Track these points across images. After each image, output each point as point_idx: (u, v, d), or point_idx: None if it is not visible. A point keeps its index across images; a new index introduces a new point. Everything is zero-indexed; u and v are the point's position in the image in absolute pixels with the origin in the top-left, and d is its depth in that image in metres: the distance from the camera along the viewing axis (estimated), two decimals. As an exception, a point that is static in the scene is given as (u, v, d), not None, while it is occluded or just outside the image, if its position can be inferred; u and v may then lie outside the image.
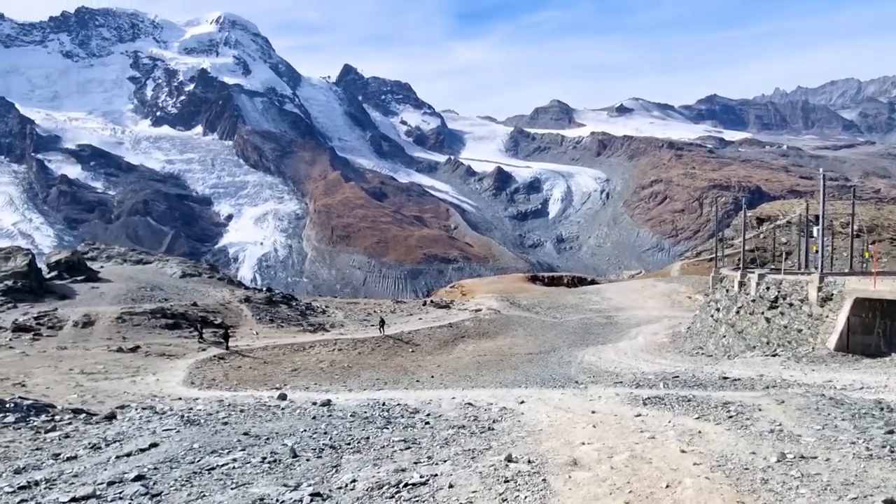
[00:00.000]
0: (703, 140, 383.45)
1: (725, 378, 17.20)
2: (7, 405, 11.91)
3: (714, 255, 64.88)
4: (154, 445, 8.64)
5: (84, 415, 13.12)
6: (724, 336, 37.91)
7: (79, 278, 43.23)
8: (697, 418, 9.85)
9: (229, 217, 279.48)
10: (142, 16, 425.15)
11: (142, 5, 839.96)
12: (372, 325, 46.82)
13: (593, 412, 11.30)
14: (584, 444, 8.49)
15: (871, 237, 66.08)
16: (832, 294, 29.91)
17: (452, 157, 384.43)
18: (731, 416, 9.68)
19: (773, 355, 29.88)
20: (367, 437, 9.58)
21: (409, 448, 8.90)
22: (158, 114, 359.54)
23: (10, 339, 33.83)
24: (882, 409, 9.91)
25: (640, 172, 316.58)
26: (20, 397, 14.99)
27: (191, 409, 16.51)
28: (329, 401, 17.73)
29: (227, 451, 8.47)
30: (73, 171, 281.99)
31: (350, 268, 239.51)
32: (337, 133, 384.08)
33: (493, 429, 10.48)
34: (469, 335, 46.32)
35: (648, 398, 12.64)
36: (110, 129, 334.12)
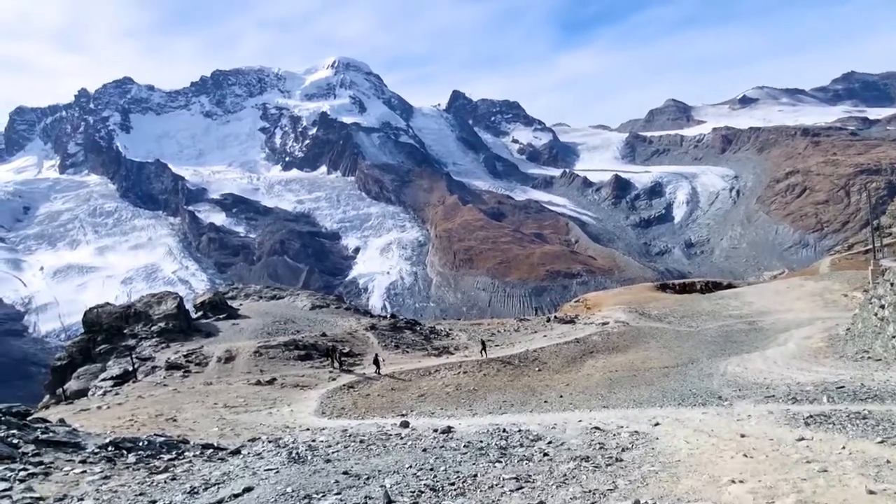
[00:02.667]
0: (844, 122, 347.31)
1: (907, 388, 14.50)
2: (141, 443, 12.38)
3: (871, 247, 57.63)
4: (248, 490, 8.36)
5: (212, 450, 13.39)
6: (894, 336, 33.13)
7: (221, 316, 46.38)
8: (881, 442, 7.99)
9: (357, 249, 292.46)
10: (267, 70, 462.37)
11: (266, 60, 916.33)
12: (496, 346, 46.00)
13: (743, 436, 9.67)
14: (733, 481, 7.04)
15: None
16: None
17: (567, 170, 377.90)
18: (925, 439, 7.75)
19: (962, 356, 25.46)
20: (476, 475, 8.73)
21: (520, 488, 7.92)
22: (287, 159, 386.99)
23: (164, 377, 36.74)
24: None
25: (772, 165, 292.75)
26: (156, 434, 15.72)
27: (313, 440, 16.55)
28: (450, 427, 17.11)
29: (320, 494, 7.98)
30: (219, 218, 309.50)
31: (475, 290, 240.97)
32: (451, 158, 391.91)
33: (621, 460, 9.23)
34: (598, 350, 44.08)
35: (811, 416, 10.73)
36: (247, 177, 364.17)
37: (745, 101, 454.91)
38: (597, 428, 12.66)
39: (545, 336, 48.76)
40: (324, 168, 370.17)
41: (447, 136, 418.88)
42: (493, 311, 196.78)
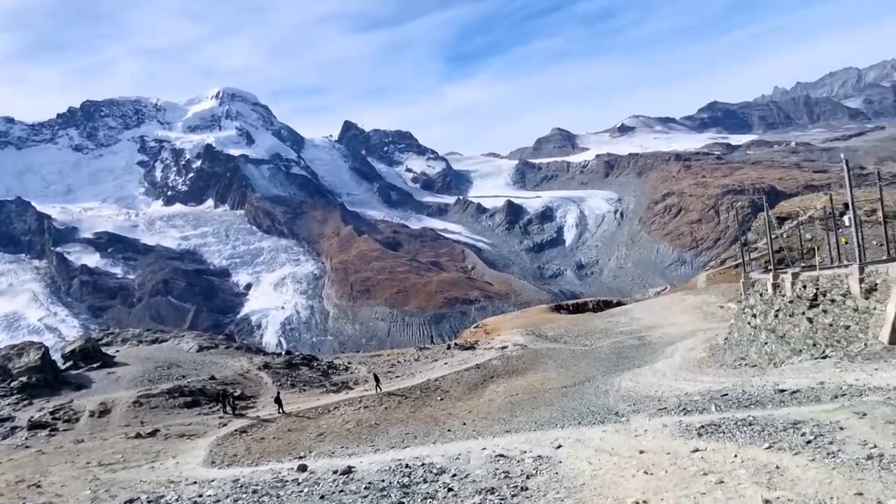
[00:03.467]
0: (710, 148, 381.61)
1: (782, 391, 15.39)
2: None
3: (741, 261, 62.76)
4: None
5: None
6: (766, 343, 35.77)
7: (94, 365, 42.33)
8: (769, 448, 8.22)
9: (248, 286, 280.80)
10: (144, 101, 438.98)
11: (143, 91, 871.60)
12: (396, 377, 45.17)
13: (642, 452, 9.71)
14: (637, 502, 6.93)
15: (901, 221, 63.47)
16: (876, 284, 27.93)
17: (461, 198, 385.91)
18: (809, 441, 8.03)
19: (824, 357, 27.75)
20: (376, 522, 8.12)
21: (425, 531, 7.40)
22: (169, 193, 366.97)
23: (27, 438, 32.73)
24: None
25: (650, 188, 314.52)
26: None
27: (200, 495, 15.09)
28: (350, 468, 16.23)
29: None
30: (92, 259, 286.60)
31: (373, 320, 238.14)
32: (345, 189, 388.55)
33: (526, 488, 8.94)
34: (498, 374, 44.45)
35: (702, 426, 11.00)
36: (124, 213, 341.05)
37: (624, 129, 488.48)
38: (501, 455, 12.38)
39: (446, 364, 48.59)
40: (210, 202, 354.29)
41: (340, 167, 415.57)
42: (393, 341, 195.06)
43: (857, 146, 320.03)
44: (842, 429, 8.37)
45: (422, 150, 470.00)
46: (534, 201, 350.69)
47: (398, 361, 52.58)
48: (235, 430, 32.48)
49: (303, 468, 18.50)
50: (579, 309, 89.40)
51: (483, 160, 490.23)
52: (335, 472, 15.86)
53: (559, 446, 12.16)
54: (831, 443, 7.81)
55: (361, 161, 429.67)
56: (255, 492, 14.00)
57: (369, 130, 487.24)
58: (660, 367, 37.88)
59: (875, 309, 27.61)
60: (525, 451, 12.35)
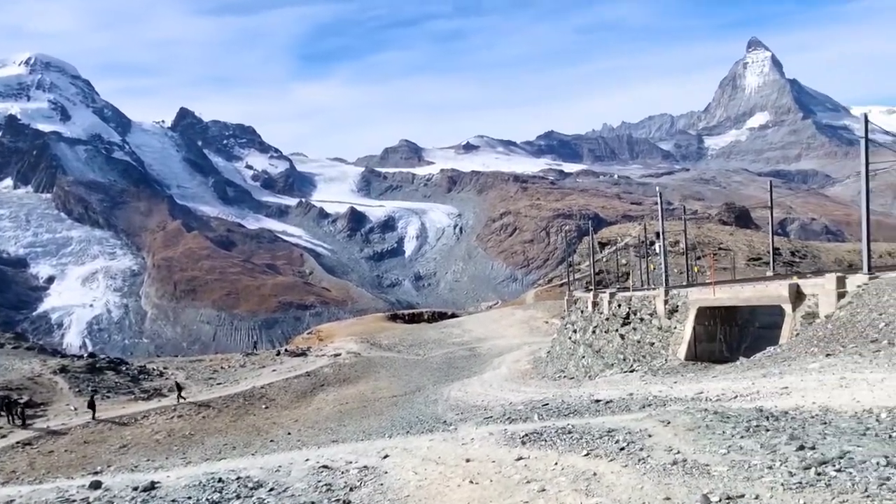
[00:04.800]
0: (545, 172, 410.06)
1: (597, 401, 16.45)
2: None
3: (566, 280, 67.56)
4: None
5: None
6: (584, 357, 38.57)
7: None
8: (587, 455, 8.52)
9: (50, 279, 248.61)
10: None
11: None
12: (218, 384, 42.24)
13: (468, 461, 9.66)
14: (462, 513, 6.78)
15: (696, 253, 72.57)
16: (678, 305, 31.30)
17: (304, 200, 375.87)
18: (622, 448, 8.46)
19: (631, 371, 30.46)
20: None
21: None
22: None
23: None
24: (768, 418, 9.26)
25: (489, 206, 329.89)
26: None
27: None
28: (153, 483, 14.47)
29: None
30: None
31: (198, 323, 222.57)
32: (175, 180, 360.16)
33: (349, 502, 8.45)
34: (329, 383, 43.37)
35: (526, 435, 11.25)
36: None
37: (469, 147, 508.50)
38: (325, 466, 11.72)
39: (274, 371, 46.48)
40: (9, 181, 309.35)
41: (171, 156, 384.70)
42: (219, 346, 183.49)
43: (666, 183, 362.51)
44: (650, 436, 8.90)
45: (265, 148, 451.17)
46: (377, 210, 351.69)
47: (221, 367, 49.29)
48: (17, 443, 28.24)
49: (96, 485, 16.22)
50: (415, 319, 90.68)
51: (329, 164, 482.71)
52: (135, 489, 14.06)
53: (386, 456, 11.80)
54: (641, 449, 8.24)
55: (197, 152, 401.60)
56: (29, 515, 11.92)
57: (208, 121, 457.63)
58: (487, 378, 39.28)
59: (675, 328, 30.92)
60: (350, 462, 11.82)
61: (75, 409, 33.69)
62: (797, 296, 22.18)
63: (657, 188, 31.54)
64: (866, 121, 22.39)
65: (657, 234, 39.79)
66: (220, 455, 24.73)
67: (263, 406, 36.92)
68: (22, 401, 32.63)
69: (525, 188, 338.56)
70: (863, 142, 21.17)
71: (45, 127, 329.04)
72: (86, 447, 28.53)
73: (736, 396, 12.65)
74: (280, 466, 13.44)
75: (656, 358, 30.13)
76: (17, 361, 40.98)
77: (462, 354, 51.29)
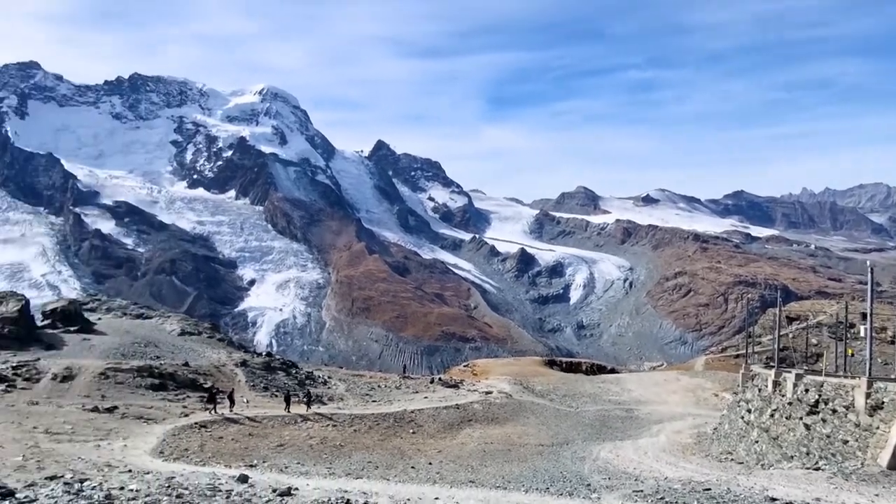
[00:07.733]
0: (730, 234, 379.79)
1: (773, 499, 14.05)
2: None
3: (744, 351, 61.04)
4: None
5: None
6: (757, 441, 34.10)
7: (72, 329, 41.41)
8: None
9: (252, 282, 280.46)
10: (191, 84, 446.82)
11: (193, 74, 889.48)
12: (373, 401, 43.73)
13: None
14: None
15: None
16: (883, 402, 26.44)
17: (477, 236, 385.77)
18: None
19: (816, 468, 26.14)
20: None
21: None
22: (195, 176, 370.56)
23: (-18, 389, 31.71)
24: None
25: (664, 263, 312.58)
26: None
27: (121, 487, 13.90)
28: (290, 489, 15.00)
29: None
30: (107, 226, 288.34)
31: (368, 340, 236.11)
32: (365, 205, 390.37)
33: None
34: (477, 419, 42.87)
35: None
36: (147, 188, 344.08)
37: (648, 200, 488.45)
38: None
39: (426, 398, 47.10)
40: (232, 192, 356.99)
41: (364, 183, 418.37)
42: (384, 365, 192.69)
43: (875, 261, 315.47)
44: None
45: (447, 182, 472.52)
46: (547, 254, 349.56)
47: (378, 386, 51.14)
48: (195, 424, 31.24)
49: (243, 479, 17.26)
50: (572, 368, 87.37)
51: (505, 203, 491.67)
52: (274, 491, 14.66)
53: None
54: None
55: (387, 181, 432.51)
56: (179, 496, 12.83)
57: (400, 153, 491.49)
58: (643, 444, 36.22)
59: (878, 428, 26.03)
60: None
61: (247, 401, 36.73)
62: None
63: (868, 263, 27.06)
64: None
65: (863, 315, 34.29)
66: (362, 471, 25.21)
67: (411, 431, 37.39)
68: (206, 385, 36.22)
69: (705, 248, 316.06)
70: None
71: (266, 148, 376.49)
72: (249, 439, 30.79)
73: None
74: (409, 500, 13.12)
75: (849, 459, 25.53)
76: (209, 350, 45.95)
77: (618, 414, 48.07)
